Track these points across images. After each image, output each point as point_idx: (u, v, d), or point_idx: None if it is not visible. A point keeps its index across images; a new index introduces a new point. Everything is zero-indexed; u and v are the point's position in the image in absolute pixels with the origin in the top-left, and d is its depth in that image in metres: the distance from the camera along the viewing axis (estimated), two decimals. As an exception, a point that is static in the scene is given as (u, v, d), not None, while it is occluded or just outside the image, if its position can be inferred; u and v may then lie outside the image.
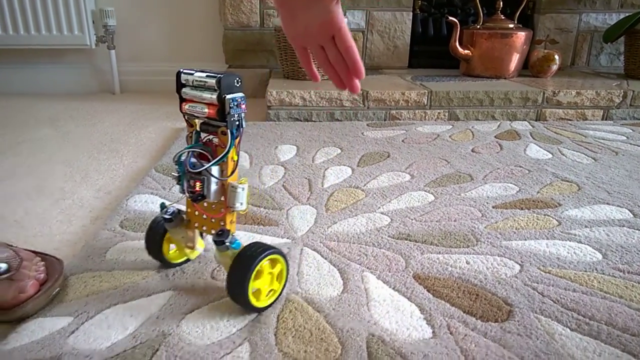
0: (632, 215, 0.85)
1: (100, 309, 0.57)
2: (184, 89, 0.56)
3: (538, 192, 0.95)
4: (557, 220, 0.83)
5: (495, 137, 1.35)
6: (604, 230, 0.79)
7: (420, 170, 1.07)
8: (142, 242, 0.72)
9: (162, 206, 0.61)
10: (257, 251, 0.55)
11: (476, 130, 1.41)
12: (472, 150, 1.22)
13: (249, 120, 1.53)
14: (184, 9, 1.98)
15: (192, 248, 0.64)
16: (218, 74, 0.53)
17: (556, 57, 1.72)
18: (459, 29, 1.70)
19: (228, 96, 0.53)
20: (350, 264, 0.68)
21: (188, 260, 0.68)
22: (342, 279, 0.64)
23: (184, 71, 0.56)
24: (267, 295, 0.58)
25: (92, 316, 0.56)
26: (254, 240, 0.58)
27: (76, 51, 1.99)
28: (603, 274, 0.67)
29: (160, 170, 1.03)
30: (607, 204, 0.90)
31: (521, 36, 1.68)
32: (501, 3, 1.75)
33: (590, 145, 1.27)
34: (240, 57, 1.91)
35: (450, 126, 1.45)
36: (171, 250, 0.66)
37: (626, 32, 1.74)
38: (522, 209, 0.88)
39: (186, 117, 0.57)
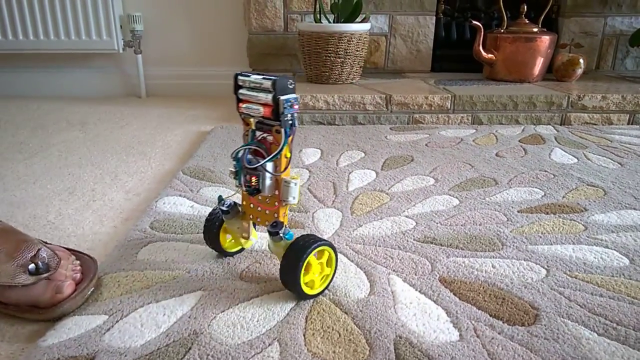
0: (660, 221, 0.84)
1: (133, 308, 0.59)
2: (240, 90, 0.60)
3: (564, 197, 0.95)
4: (583, 225, 0.83)
5: (519, 141, 1.34)
6: (631, 236, 0.79)
7: (444, 174, 1.07)
8: (172, 242, 0.74)
9: (220, 199, 0.66)
10: (308, 242, 0.59)
11: (500, 134, 1.41)
12: (496, 155, 1.21)
13: (273, 123, 1.55)
14: (209, 14, 2.01)
15: (247, 238, 0.68)
16: (273, 76, 0.57)
17: (581, 61, 1.70)
18: (482, 33, 1.70)
19: (282, 97, 0.56)
20: (376, 267, 0.69)
21: (242, 249, 0.73)
22: (369, 281, 0.65)
23: (241, 74, 0.60)
24: (321, 281, 0.62)
25: (126, 315, 0.58)
26: (306, 233, 0.62)
27: (104, 56, 2.04)
28: (630, 279, 0.66)
29: (188, 173, 1.05)
30: (634, 209, 0.89)
31: (545, 40, 1.67)
32: (525, 7, 1.74)
33: (616, 150, 1.25)
34: (264, 61, 1.93)
35: (474, 130, 1.45)
36: (227, 239, 0.71)
37: (654, 35, 1.71)
38: (547, 213, 0.87)
39: (242, 116, 0.61)
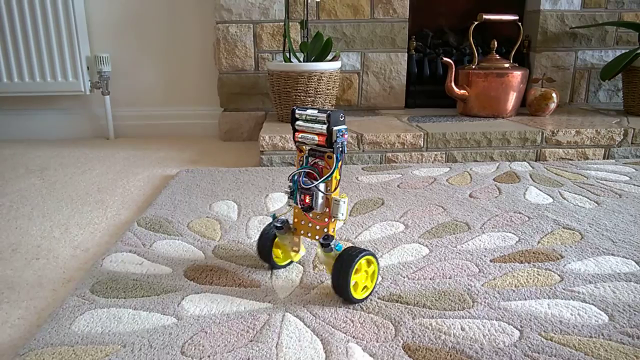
0: (639, 268, 0.80)
1: (55, 394, 0.52)
2: (297, 122, 0.70)
3: (539, 242, 0.90)
4: (559, 275, 0.78)
5: (493, 179, 1.30)
6: (609, 287, 0.74)
7: (415, 219, 1.02)
8: (112, 309, 0.68)
9: (274, 217, 0.74)
10: (355, 252, 0.67)
11: (474, 172, 1.37)
12: (470, 196, 1.17)
13: (242, 165, 1.50)
14: (178, 54, 1.98)
15: (297, 252, 0.77)
16: (326, 111, 0.66)
17: (554, 95, 1.69)
18: (454, 69, 1.68)
19: (335, 128, 0.66)
20: (334, 333, 0.63)
21: (292, 262, 0.80)
22: (325, 352, 0.59)
23: (298, 107, 0.69)
24: (362, 290, 0.69)
25: (45, 403, 0.51)
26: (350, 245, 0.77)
27: (70, 97, 1.98)
28: (610, 340, 0.61)
29: (143, 224, 0.99)
30: (612, 254, 0.85)
31: (517, 75, 1.66)
32: (496, 42, 1.74)
33: (592, 187, 1.22)
34: (235, 101, 1.89)
35: (448, 169, 1.41)
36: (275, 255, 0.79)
37: (623, 69, 1.71)
38: (521, 262, 0.82)
39: (297, 144, 0.71)
